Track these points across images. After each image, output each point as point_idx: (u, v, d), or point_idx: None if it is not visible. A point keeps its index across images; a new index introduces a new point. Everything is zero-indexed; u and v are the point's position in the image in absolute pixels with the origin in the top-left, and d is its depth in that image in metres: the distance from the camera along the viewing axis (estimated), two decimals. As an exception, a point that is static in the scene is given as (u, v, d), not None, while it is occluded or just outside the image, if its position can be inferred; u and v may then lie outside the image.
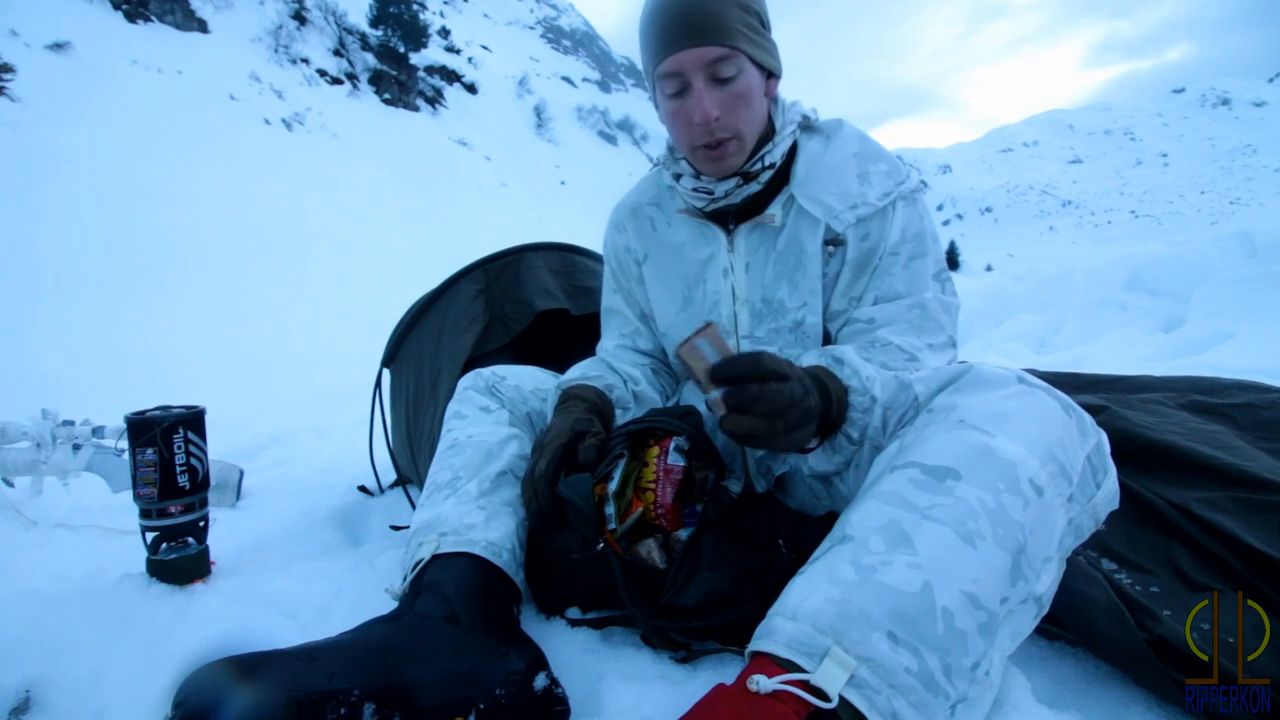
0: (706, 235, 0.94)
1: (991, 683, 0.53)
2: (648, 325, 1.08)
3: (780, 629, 0.53)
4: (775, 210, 0.88)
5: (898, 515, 0.55)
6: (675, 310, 0.99)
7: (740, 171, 0.86)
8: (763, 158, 0.86)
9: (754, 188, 0.88)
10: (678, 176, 0.92)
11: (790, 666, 0.51)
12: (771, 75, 0.87)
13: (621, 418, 0.98)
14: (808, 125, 0.91)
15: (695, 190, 0.89)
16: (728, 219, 0.92)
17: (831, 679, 0.49)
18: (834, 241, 0.86)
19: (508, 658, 0.67)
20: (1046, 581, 0.57)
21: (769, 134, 0.88)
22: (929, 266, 0.87)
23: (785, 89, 0.92)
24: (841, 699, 0.48)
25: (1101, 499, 0.61)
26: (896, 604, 0.51)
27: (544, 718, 0.65)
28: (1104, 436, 0.63)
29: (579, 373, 0.99)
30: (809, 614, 0.52)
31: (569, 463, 0.85)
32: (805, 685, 0.49)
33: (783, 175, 0.89)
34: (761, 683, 0.50)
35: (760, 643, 0.54)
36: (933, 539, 0.53)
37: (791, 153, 0.90)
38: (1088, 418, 0.62)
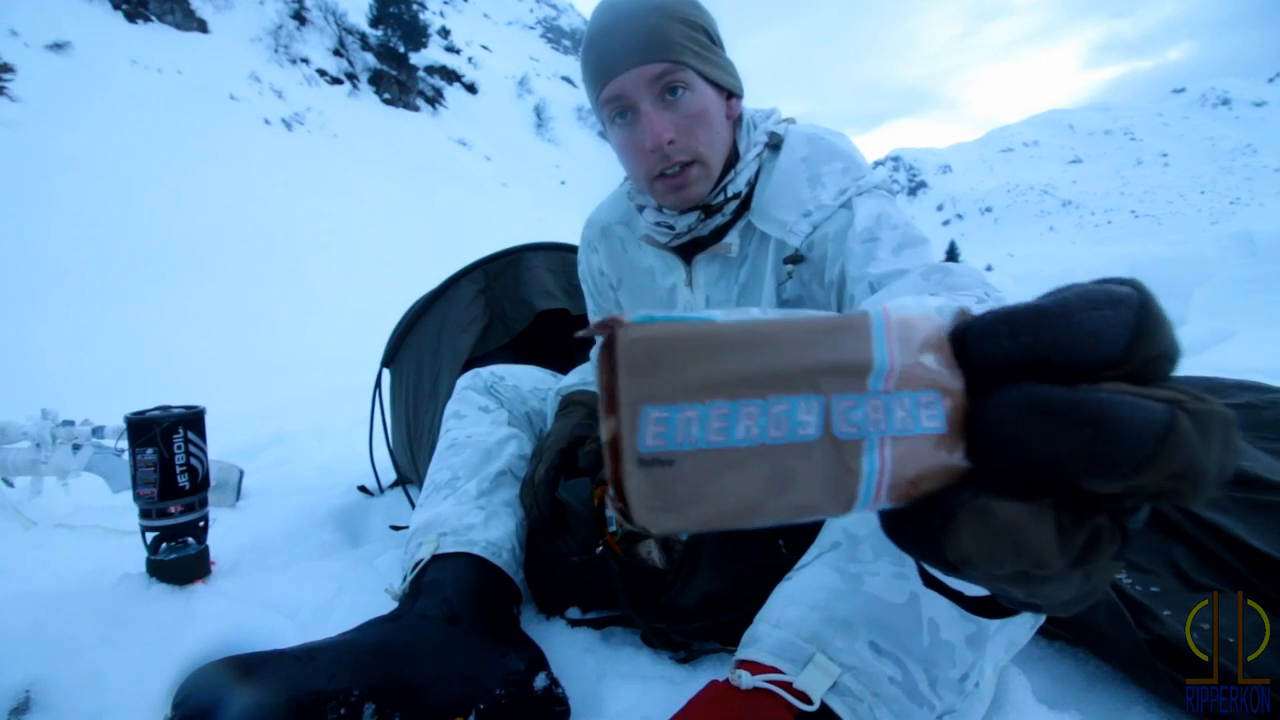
0: (669, 263, 0.88)
1: (982, 694, 0.52)
2: None
3: (765, 636, 0.53)
4: (732, 239, 0.80)
5: None
6: None
7: (702, 204, 0.78)
8: (725, 188, 0.78)
9: (719, 220, 0.80)
10: (641, 208, 0.84)
11: (776, 672, 0.51)
12: (732, 95, 0.79)
13: None
14: (775, 144, 0.82)
15: (657, 224, 0.82)
16: (688, 249, 0.85)
17: (814, 683, 0.49)
18: (793, 259, 0.76)
19: (508, 658, 0.67)
20: None
21: (734, 160, 0.80)
22: (927, 256, 0.71)
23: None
24: (825, 706, 0.48)
25: None
26: (881, 614, 0.50)
27: (544, 718, 0.65)
28: None
29: (579, 378, 0.99)
30: (793, 622, 0.52)
31: (568, 467, 0.85)
32: (789, 687, 0.49)
33: (747, 201, 0.81)
34: (743, 677, 0.50)
35: (746, 650, 0.54)
36: None
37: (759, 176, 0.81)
38: None
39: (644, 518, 0.18)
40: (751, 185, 0.81)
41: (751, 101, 0.86)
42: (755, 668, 0.52)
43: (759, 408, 0.18)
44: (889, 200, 0.77)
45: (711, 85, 0.76)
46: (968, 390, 0.20)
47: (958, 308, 0.21)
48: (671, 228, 0.81)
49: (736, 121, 0.82)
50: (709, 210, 0.79)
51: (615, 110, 0.75)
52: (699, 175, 0.76)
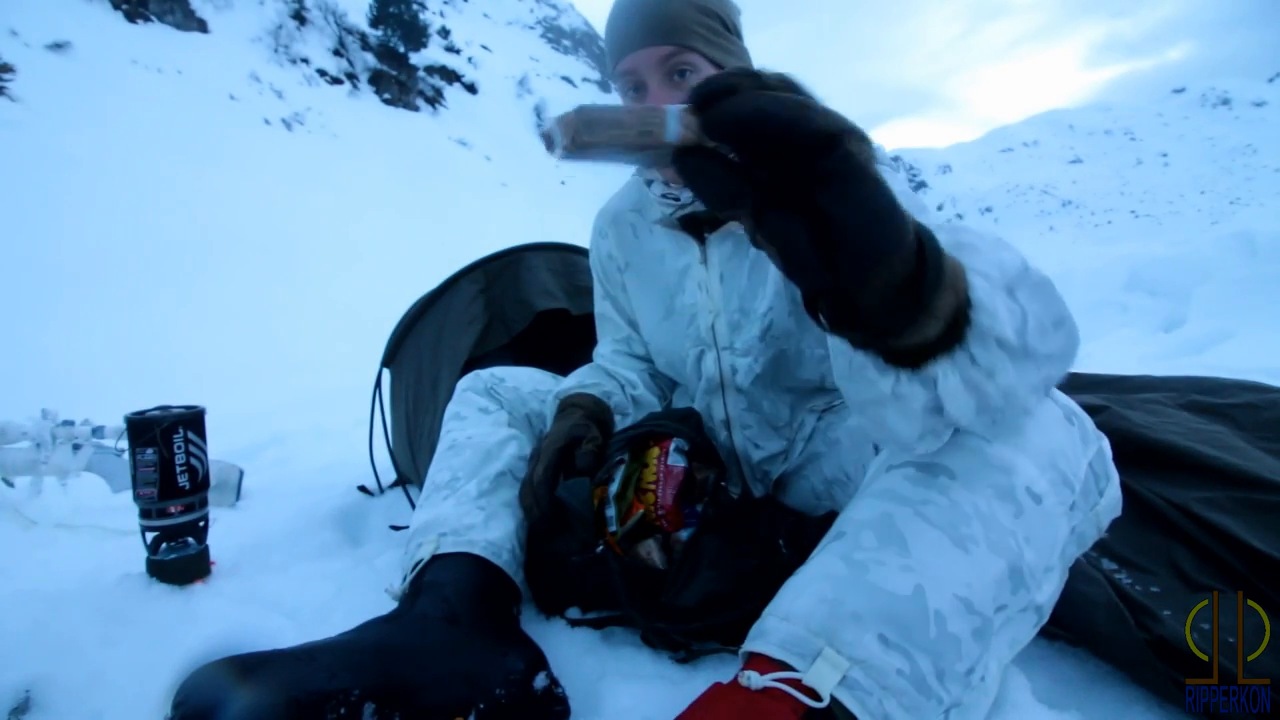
0: (682, 244, 0.92)
1: (987, 689, 0.52)
2: (639, 331, 1.06)
3: (774, 630, 0.53)
4: None
5: (890, 509, 0.55)
6: (658, 319, 0.98)
7: None
8: None
9: None
10: (649, 182, 0.90)
11: (784, 667, 0.51)
12: None
13: (621, 423, 0.97)
14: None
15: (664, 196, 0.87)
16: (701, 228, 0.89)
17: (823, 679, 0.49)
18: None
19: (507, 658, 0.67)
20: (1048, 591, 0.56)
21: None
22: (932, 218, 0.65)
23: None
24: (834, 700, 0.48)
25: (1104, 506, 0.60)
26: (888, 606, 0.50)
27: (544, 718, 0.65)
28: (1105, 443, 0.62)
29: (576, 381, 0.99)
30: (801, 615, 0.52)
31: (567, 468, 0.85)
32: (798, 684, 0.49)
33: None
34: (753, 679, 0.50)
35: (754, 643, 0.54)
36: (925, 541, 0.53)
37: None
38: (1090, 423, 0.61)
39: (568, 139, 0.38)
40: None
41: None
42: (763, 664, 0.52)
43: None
44: (890, 172, 0.77)
45: (719, 70, 0.78)
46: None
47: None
48: (677, 199, 0.86)
49: None
50: None
51: (628, 85, 0.81)
52: None
